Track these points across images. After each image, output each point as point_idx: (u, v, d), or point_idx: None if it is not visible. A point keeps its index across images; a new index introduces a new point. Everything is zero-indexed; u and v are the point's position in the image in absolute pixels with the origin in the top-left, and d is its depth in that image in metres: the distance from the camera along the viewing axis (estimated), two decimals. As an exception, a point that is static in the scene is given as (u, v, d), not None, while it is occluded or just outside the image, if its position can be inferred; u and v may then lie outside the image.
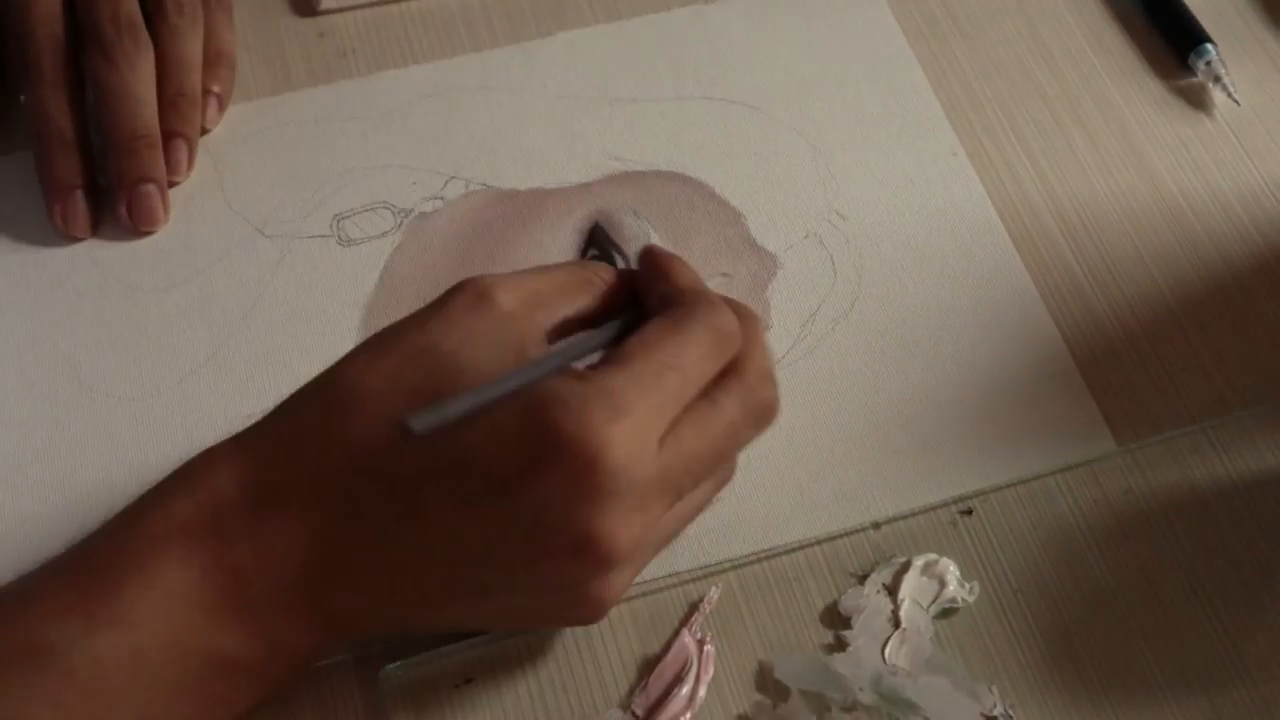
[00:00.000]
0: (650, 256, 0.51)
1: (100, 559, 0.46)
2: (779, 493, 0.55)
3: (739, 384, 0.48)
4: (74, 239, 0.62)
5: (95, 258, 0.62)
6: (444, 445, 0.44)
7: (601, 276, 0.51)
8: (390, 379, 0.46)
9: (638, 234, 0.61)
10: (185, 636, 0.45)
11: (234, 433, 0.48)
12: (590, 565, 0.45)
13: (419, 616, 0.48)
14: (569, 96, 0.67)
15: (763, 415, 0.49)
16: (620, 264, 0.60)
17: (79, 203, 0.62)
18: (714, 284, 0.56)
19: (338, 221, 0.63)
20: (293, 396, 0.48)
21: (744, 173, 0.64)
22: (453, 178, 0.64)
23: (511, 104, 0.67)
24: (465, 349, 0.46)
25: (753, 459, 0.55)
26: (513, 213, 0.63)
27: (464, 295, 0.48)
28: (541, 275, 0.50)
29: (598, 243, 0.61)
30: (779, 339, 0.59)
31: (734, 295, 0.59)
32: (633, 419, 0.44)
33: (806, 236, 0.62)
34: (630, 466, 0.44)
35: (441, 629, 0.50)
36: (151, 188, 0.62)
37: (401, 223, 0.62)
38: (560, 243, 0.62)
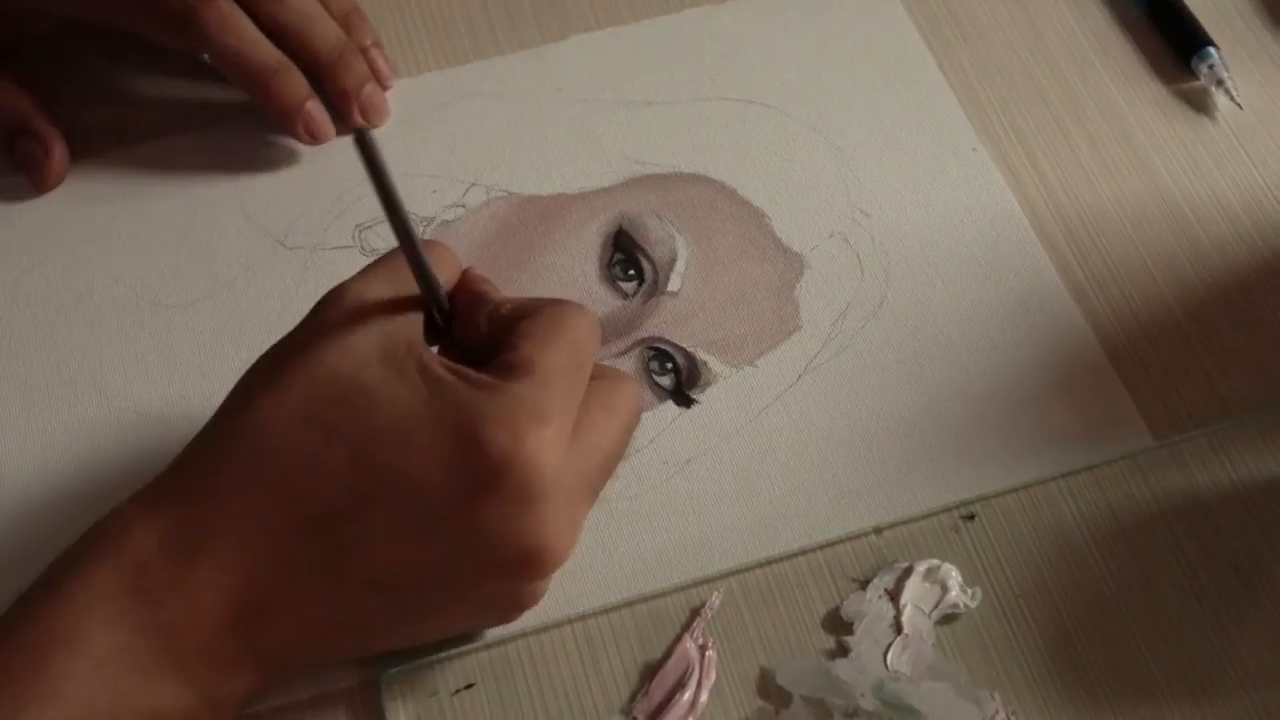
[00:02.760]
0: (465, 282, 0.51)
1: (23, 635, 0.44)
2: (784, 496, 0.55)
3: (620, 385, 0.51)
4: (320, 143, 0.64)
5: (116, 274, 0.61)
6: (378, 473, 0.45)
7: (446, 260, 0.51)
8: (301, 414, 0.46)
9: (662, 237, 0.61)
10: (118, 700, 0.44)
11: None
12: (533, 572, 0.47)
13: (356, 646, 0.49)
14: (584, 100, 0.67)
15: (639, 411, 0.53)
16: (648, 268, 0.60)
17: (315, 111, 0.64)
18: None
19: (360, 232, 0.62)
20: (197, 443, 0.47)
21: (765, 172, 0.64)
22: (473, 184, 0.64)
23: (526, 109, 0.67)
24: (364, 371, 0.46)
25: (774, 461, 0.56)
26: (536, 218, 0.63)
27: (337, 311, 0.47)
28: (392, 265, 0.49)
29: (623, 247, 0.61)
30: (810, 339, 0.59)
31: (762, 296, 0.60)
32: (554, 424, 0.46)
33: (831, 235, 0.62)
34: (559, 471, 0.46)
35: (373, 653, 0.50)
36: (372, 85, 0.65)
37: (424, 231, 0.62)
38: (585, 247, 0.61)
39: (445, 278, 0.50)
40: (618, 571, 0.53)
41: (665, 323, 0.59)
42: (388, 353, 0.46)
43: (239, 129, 0.66)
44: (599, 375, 0.50)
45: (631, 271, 0.60)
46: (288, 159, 0.65)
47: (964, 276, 0.60)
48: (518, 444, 0.44)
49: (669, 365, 0.58)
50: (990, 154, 0.64)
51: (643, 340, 0.59)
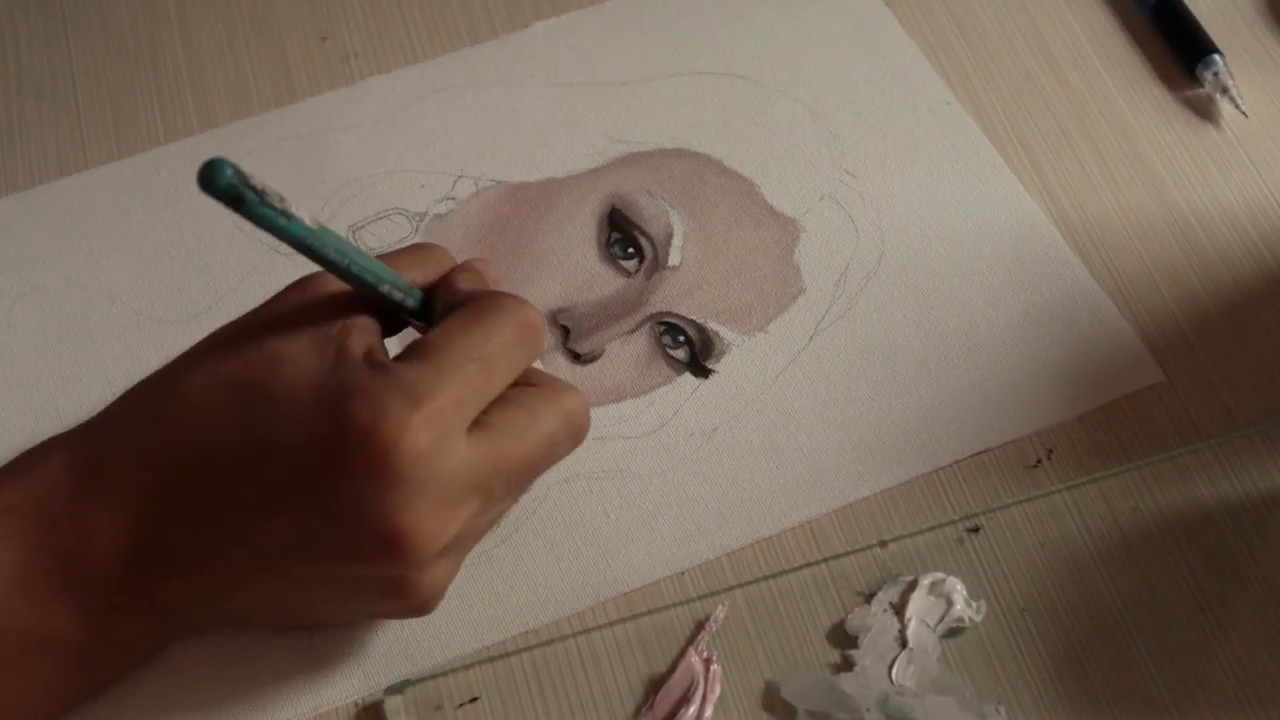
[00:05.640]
0: (448, 273, 0.51)
1: None
2: (812, 457, 0.55)
3: (557, 396, 0.49)
4: None
5: (112, 294, 0.61)
6: (260, 433, 0.45)
7: (435, 258, 0.51)
8: (219, 374, 0.47)
9: (656, 213, 0.62)
10: (3, 615, 0.45)
11: None
12: (399, 560, 0.45)
13: (241, 606, 0.49)
14: (559, 84, 0.67)
15: (580, 432, 0.50)
16: (646, 245, 0.61)
17: None
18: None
19: (354, 232, 0.62)
20: (128, 390, 0.49)
21: (747, 142, 0.65)
22: (460, 176, 0.64)
23: (503, 98, 0.67)
24: (289, 343, 0.46)
25: (797, 424, 0.56)
26: (527, 205, 0.63)
27: (298, 295, 0.49)
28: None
29: (619, 226, 0.61)
30: (816, 301, 0.60)
31: (762, 262, 0.61)
32: (431, 407, 0.44)
33: (822, 198, 0.62)
34: (430, 455, 0.44)
35: (267, 621, 0.50)
36: None
37: (418, 226, 0.62)
38: (581, 230, 0.62)
39: (431, 273, 0.50)
40: (660, 545, 0.54)
41: (671, 297, 0.60)
42: (321, 330, 0.47)
43: (215, 139, 0.65)
44: (542, 383, 0.49)
45: (630, 249, 0.61)
46: (268, 166, 0.64)
47: (956, 228, 0.61)
48: (377, 420, 0.43)
49: (681, 338, 0.59)
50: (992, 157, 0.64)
51: (651, 316, 0.59)
